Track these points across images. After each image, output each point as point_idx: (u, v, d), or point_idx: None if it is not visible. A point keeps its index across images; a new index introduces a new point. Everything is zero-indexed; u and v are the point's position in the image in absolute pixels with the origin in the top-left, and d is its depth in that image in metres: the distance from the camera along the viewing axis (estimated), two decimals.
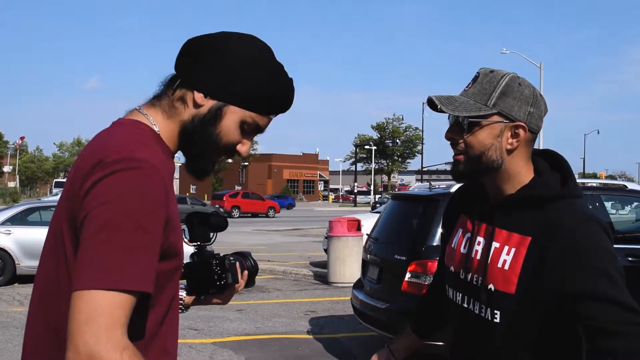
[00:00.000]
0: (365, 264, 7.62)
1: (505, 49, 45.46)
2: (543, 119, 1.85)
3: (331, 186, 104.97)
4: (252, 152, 79.24)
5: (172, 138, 1.60)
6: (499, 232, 1.82)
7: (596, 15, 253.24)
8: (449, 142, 1.85)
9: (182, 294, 1.89)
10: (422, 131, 78.38)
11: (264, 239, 24.74)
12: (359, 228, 12.97)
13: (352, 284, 8.12)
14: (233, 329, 8.60)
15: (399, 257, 6.56)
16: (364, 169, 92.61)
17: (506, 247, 1.78)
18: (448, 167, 78.77)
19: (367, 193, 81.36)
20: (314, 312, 9.83)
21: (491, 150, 1.78)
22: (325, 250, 13.75)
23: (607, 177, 67.59)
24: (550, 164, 1.89)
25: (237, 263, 1.90)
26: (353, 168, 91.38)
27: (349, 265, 12.41)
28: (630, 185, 8.07)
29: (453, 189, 6.79)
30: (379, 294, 6.88)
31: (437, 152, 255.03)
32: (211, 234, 1.92)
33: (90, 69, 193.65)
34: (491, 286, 1.80)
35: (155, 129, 1.57)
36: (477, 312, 1.86)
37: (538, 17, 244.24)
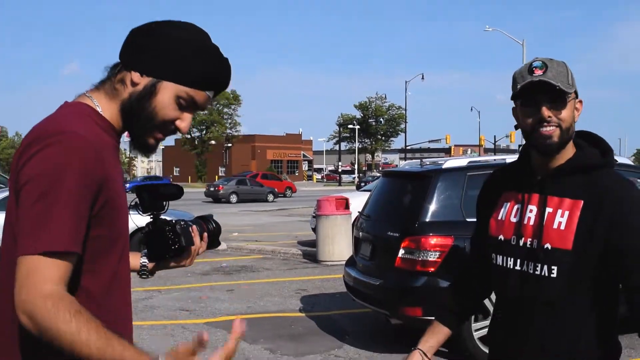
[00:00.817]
0: (357, 242, 7.63)
1: (488, 27, 45.58)
2: None
3: (315, 166, 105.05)
4: (236, 134, 79.00)
5: (115, 118, 1.72)
6: (551, 199, 2.09)
7: None
8: (538, 120, 2.03)
9: (145, 260, 2.03)
10: (405, 110, 78.40)
11: (252, 219, 24.79)
12: (347, 206, 13.01)
13: (341, 262, 8.15)
14: (225, 309, 8.61)
15: (392, 233, 6.57)
16: (347, 148, 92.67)
17: (559, 211, 2.06)
18: (431, 145, 78.92)
19: (351, 172, 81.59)
20: (304, 291, 9.86)
21: (572, 123, 2.08)
22: (313, 229, 13.77)
23: None
24: (587, 141, 2.18)
25: (195, 227, 2.02)
26: (337, 147, 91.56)
27: (337, 243, 12.45)
28: (620, 160, 8.09)
29: (447, 165, 6.80)
30: (372, 270, 6.89)
31: (421, 130, 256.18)
32: (164, 203, 2.01)
33: (70, 55, 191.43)
34: (548, 245, 2.06)
35: (98, 109, 1.70)
36: (531, 271, 2.10)
37: None
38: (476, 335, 6.17)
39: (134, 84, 1.69)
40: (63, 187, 1.48)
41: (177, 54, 1.68)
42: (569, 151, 2.10)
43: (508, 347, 2.22)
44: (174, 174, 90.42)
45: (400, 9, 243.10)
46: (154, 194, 2.01)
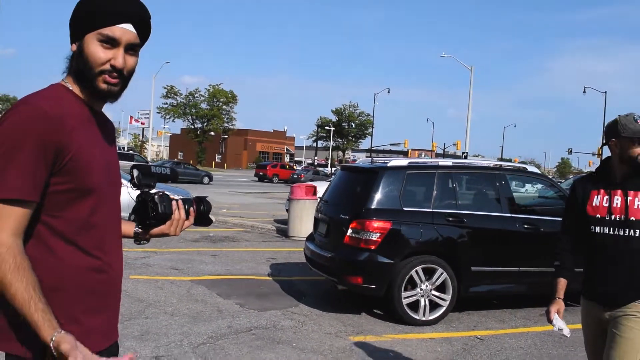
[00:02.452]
0: (316, 221, 7.73)
1: (444, 53, 45.67)
2: None
3: (296, 158, 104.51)
4: (231, 127, 78.37)
5: (80, 90, 1.70)
6: (630, 192, 3.01)
7: (519, 30, 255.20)
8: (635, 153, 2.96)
9: (137, 229, 1.99)
10: (373, 117, 78.29)
11: (239, 199, 24.71)
12: (315, 193, 13.09)
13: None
14: (207, 270, 8.66)
15: (343, 216, 6.67)
16: (323, 146, 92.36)
17: (637, 198, 2.99)
18: (392, 148, 78.45)
19: (326, 166, 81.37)
20: (274, 259, 9.91)
21: None
22: (287, 210, 13.85)
23: (520, 162, 68.59)
24: None
25: (180, 201, 1.98)
26: (315, 144, 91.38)
27: (305, 222, 12.52)
28: (530, 168, 8.25)
29: (391, 164, 6.91)
30: (326, 245, 6.98)
31: (384, 134, 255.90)
32: (152, 181, 1.97)
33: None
34: (632, 218, 2.98)
35: (70, 87, 1.69)
36: (621, 234, 3.01)
37: (473, 27, 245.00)
38: (404, 302, 6.32)
39: (72, 53, 1.69)
40: (19, 148, 1.49)
41: (78, 12, 1.66)
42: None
43: (607, 278, 3.08)
44: (178, 157, 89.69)
45: (372, 32, 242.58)
46: (145, 173, 1.98)
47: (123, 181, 1.96)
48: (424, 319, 6.37)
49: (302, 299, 7.20)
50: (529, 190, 10.25)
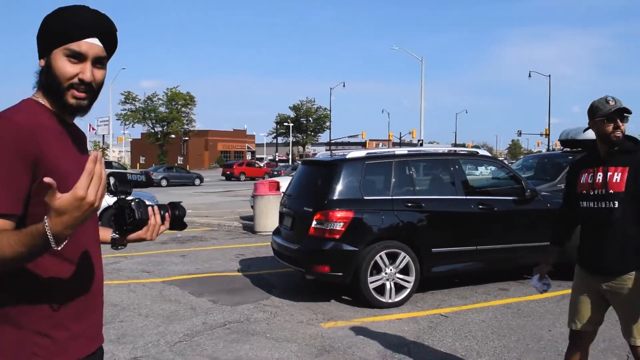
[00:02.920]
0: (281, 215, 7.78)
1: (395, 46, 46.09)
2: None
3: (257, 156, 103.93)
4: (192, 129, 77.48)
5: (51, 104, 1.69)
6: (610, 168, 3.20)
7: (466, 21, 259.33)
8: (612, 127, 3.18)
9: (114, 234, 1.97)
10: (330, 111, 78.62)
11: (204, 199, 24.51)
12: (278, 188, 13.13)
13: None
14: (178, 270, 8.63)
15: (307, 209, 6.74)
16: (283, 141, 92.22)
17: (616, 173, 3.18)
18: (350, 140, 78.69)
19: (287, 161, 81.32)
20: (243, 255, 9.93)
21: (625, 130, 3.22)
22: (252, 207, 13.85)
23: (473, 147, 69.83)
24: (627, 139, 3.24)
25: (156, 207, 1.97)
26: (275, 141, 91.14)
27: (270, 217, 12.56)
28: (481, 152, 8.46)
29: (349, 156, 7.01)
30: (292, 238, 7.04)
31: (342, 127, 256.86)
32: (129, 188, 1.98)
33: None
34: (611, 190, 3.18)
35: (40, 101, 1.68)
36: (603, 206, 3.21)
37: (422, 20, 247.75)
38: (371, 286, 6.45)
39: (41, 69, 1.68)
40: None
41: (45, 28, 1.65)
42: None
43: (595, 251, 3.28)
44: (140, 162, 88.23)
45: (326, 29, 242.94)
46: (121, 180, 1.97)
47: None
48: (390, 301, 6.50)
49: (272, 291, 7.26)
50: (482, 173, 10.50)
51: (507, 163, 8.85)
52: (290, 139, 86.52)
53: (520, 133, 75.50)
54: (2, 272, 1.49)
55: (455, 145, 61.92)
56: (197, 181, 40.34)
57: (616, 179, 3.17)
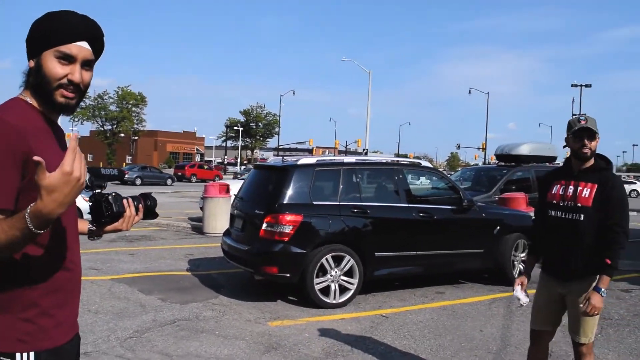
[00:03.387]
0: (232, 217, 7.81)
1: (345, 57, 46.58)
2: None
3: (206, 158, 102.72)
4: (141, 128, 75.87)
5: (38, 103, 1.73)
6: (581, 183, 3.44)
7: (413, 37, 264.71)
8: (580, 144, 3.42)
9: (90, 226, 2.01)
10: (279, 117, 78.47)
11: None
12: (227, 191, 13.12)
13: (222, 234, 8.25)
14: (127, 268, 8.53)
15: (258, 211, 6.81)
16: (232, 145, 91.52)
17: (586, 188, 3.41)
18: (299, 146, 78.56)
19: (235, 164, 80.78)
20: (191, 255, 9.89)
21: (595, 148, 3.44)
22: (201, 208, 13.77)
23: (414, 158, 71.16)
24: (600, 157, 3.53)
25: (130, 199, 2.00)
26: (224, 144, 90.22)
27: (219, 219, 12.55)
28: (424, 163, 8.74)
29: (300, 162, 7.12)
30: (243, 239, 7.09)
31: (290, 134, 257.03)
32: (103, 182, 2.01)
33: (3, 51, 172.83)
34: (579, 204, 3.41)
35: (28, 100, 1.72)
36: (570, 217, 3.45)
37: (371, 34, 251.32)
38: (317, 287, 6.57)
39: (30, 70, 1.72)
40: None
41: (36, 31, 1.69)
42: (591, 161, 3.47)
43: (558, 257, 3.51)
44: (88, 160, 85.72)
45: (277, 36, 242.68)
46: (97, 175, 1.99)
47: None
48: (334, 302, 6.65)
49: (221, 291, 7.28)
50: (423, 183, 10.82)
51: (446, 174, 9.15)
52: (240, 142, 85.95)
53: (459, 146, 77.68)
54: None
55: (398, 155, 63.02)
56: (169, 181, 41.12)
57: (585, 193, 3.39)
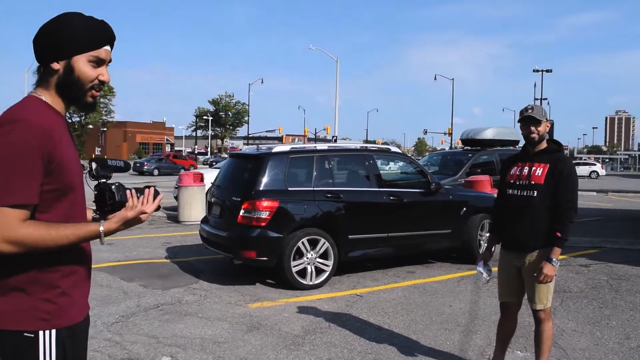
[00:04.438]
0: (210, 205, 7.92)
1: (312, 46, 46.52)
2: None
3: (176, 148, 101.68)
4: (110, 120, 74.70)
5: (56, 102, 1.83)
6: (535, 164, 3.75)
7: (378, 25, 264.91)
8: (527, 131, 3.74)
9: (94, 215, 2.06)
10: (249, 106, 78.22)
11: None
12: (202, 180, 13.18)
13: (197, 222, 8.32)
14: (106, 257, 8.54)
15: (235, 198, 6.94)
16: (202, 135, 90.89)
17: (539, 168, 3.72)
18: (268, 134, 78.58)
19: (205, 154, 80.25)
20: (169, 243, 9.96)
21: (544, 132, 3.76)
22: (176, 198, 13.80)
23: (383, 144, 71.64)
24: (553, 141, 3.83)
25: (133, 190, 1.98)
26: (194, 134, 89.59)
27: (194, 208, 12.63)
28: (393, 148, 8.98)
29: (275, 150, 7.27)
30: (221, 225, 7.22)
31: (260, 122, 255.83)
32: (109, 173, 2.09)
33: None
34: (532, 182, 3.71)
35: (43, 98, 1.81)
36: (525, 194, 3.74)
37: (337, 22, 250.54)
38: (294, 269, 6.76)
39: (56, 71, 1.80)
40: (16, 160, 1.64)
41: (60, 37, 1.77)
42: (544, 144, 3.78)
43: (514, 231, 3.79)
44: None
45: (244, 26, 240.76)
46: (102, 165, 2.06)
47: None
48: (311, 283, 6.86)
49: (200, 276, 7.41)
50: (392, 168, 11.07)
51: (414, 159, 9.41)
52: (209, 132, 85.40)
53: (425, 132, 78.40)
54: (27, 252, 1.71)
55: (367, 141, 63.44)
56: (182, 171, 40.53)
57: (538, 172, 3.70)
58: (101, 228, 1.80)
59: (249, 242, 6.69)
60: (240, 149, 16.81)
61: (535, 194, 3.70)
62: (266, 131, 76.88)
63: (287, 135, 78.43)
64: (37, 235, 1.68)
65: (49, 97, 1.83)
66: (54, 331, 1.78)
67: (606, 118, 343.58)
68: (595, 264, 8.56)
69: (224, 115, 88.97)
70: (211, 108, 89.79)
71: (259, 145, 8.29)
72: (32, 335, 1.74)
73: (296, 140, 72.53)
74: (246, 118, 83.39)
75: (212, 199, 7.79)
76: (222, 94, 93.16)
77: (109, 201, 2.01)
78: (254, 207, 6.66)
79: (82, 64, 1.81)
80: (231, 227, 6.89)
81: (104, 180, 2.06)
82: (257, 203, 6.66)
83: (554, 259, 3.63)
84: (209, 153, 73.96)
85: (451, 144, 57.73)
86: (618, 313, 6.00)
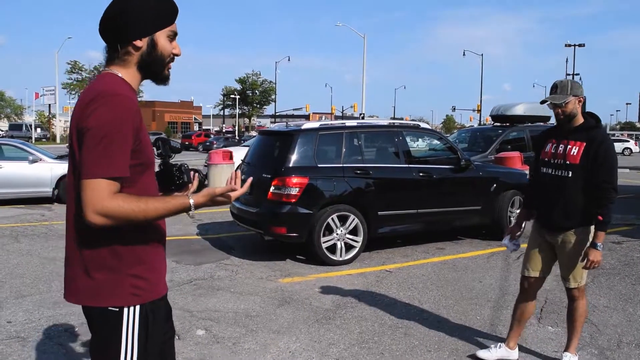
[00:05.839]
0: (241, 182, 7.98)
1: (339, 23, 46.14)
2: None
3: (204, 127, 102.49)
4: (139, 99, 75.31)
5: (133, 80, 1.87)
6: (571, 142, 3.60)
7: (407, 1, 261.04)
8: (554, 110, 3.62)
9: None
10: (275, 84, 78.20)
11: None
12: (231, 157, 13.29)
13: None
14: None
15: (265, 175, 6.98)
16: (229, 113, 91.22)
17: (574, 147, 3.58)
18: (295, 112, 78.68)
19: (233, 133, 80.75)
20: (200, 220, 10.10)
21: (574, 109, 3.58)
22: (206, 175, 13.97)
23: (411, 120, 70.90)
24: (591, 116, 3.66)
25: (193, 171, 2.10)
26: (221, 113, 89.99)
27: (224, 185, 12.74)
28: (422, 125, 8.89)
29: (304, 127, 7.27)
30: (251, 202, 7.28)
31: (287, 100, 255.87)
32: (171, 153, 2.17)
33: None
34: (568, 162, 3.58)
35: (120, 75, 1.84)
36: (559, 174, 3.63)
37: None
38: (324, 245, 6.82)
39: (138, 48, 1.83)
40: (117, 133, 1.66)
41: (143, 14, 1.80)
42: (580, 119, 3.63)
43: (548, 211, 3.71)
44: None
45: (271, 4, 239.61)
46: (166, 145, 2.14)
47: None
48: (341, 259, 6.91)
49: (231, 252, 7.52)
50: (422, 144, 10.99)
51: (444, 135, 9.32)
52: (237, 111, 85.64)
53: (454, 108, 77.52)
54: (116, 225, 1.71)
55: (394, 119, 62.97)
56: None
57: (573, 152, 3.55)
58: (191, 201, 1.80)
59: (279, 218, 6.75)
60: (267, 126, 16.88)
61: (570, 175, 3.58)
62: (293, 109, 76.87)
63: (314, 113, 78.43)
64: (128, 207, 1.68)
65: (127, 75, 1.86)
66: (137, 307, 1.81)
67: None
68: (628, 241, 8.43)
69: (251, 94, 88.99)
70: (238, 87, 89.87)
71: (288, 122, 8.30)
72: (117, 310, 1.79)
73: (323, 118, 72.35)
74: (273, 96, 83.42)
75: (243, 176, 7.81)
76: (249, 72, 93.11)
77: (178, 180, 2.04)
78: (284, 183, 6.70)
79: (163, 39, 1.87)
80: (261, 204, 6.95)
81: (168, 159, 2.10)
82: (287, 180, 6.70)
83: (598, 244, 3.50)
84: (236, 132, 74.26)
85: (480, 120, 56.94)
86: None
